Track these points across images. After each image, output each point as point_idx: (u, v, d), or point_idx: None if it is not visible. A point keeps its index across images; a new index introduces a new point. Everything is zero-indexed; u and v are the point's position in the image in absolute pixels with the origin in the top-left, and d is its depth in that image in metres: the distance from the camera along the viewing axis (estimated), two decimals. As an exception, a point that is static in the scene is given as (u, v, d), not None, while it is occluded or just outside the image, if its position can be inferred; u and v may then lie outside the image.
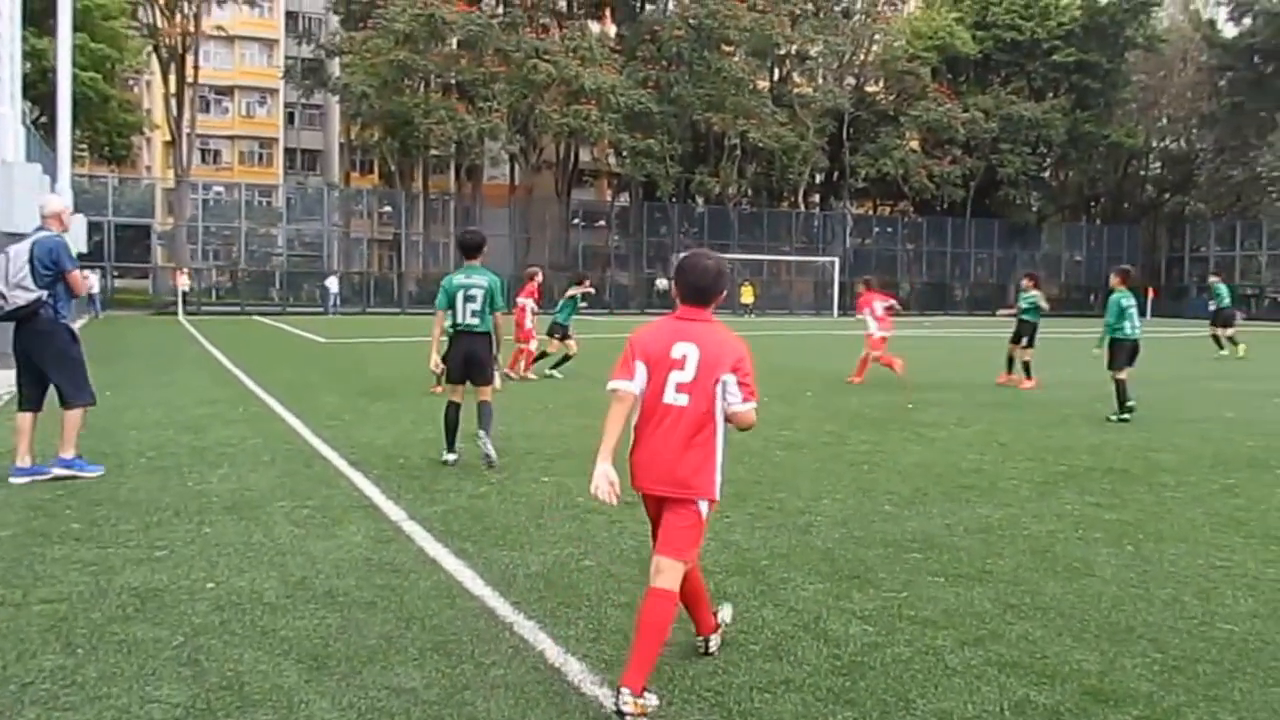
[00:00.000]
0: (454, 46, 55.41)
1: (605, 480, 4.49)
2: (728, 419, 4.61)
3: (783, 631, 5.27)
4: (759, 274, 61.85)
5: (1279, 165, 60.82)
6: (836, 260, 60.93)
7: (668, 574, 4.56)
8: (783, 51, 62.95)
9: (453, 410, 9.91)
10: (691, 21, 56.90)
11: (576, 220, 63.60)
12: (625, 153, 56.71)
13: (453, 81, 56.20)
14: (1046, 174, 72.46)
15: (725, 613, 5.32)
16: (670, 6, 61.52)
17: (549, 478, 9.01)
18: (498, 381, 9.86)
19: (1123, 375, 13.72)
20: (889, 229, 69.63)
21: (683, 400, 4.52)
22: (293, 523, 7.34)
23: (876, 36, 65.92)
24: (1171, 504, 8.36)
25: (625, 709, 4.29)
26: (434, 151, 56.29)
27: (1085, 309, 67.68)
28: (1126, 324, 13.72)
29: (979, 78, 67.11)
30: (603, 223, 65.17)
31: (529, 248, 56.51)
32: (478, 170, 61.94)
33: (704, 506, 4.65)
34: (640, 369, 4.57)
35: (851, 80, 66.63)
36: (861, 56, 66.41)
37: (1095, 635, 5.32)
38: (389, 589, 5.85)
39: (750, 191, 65.82)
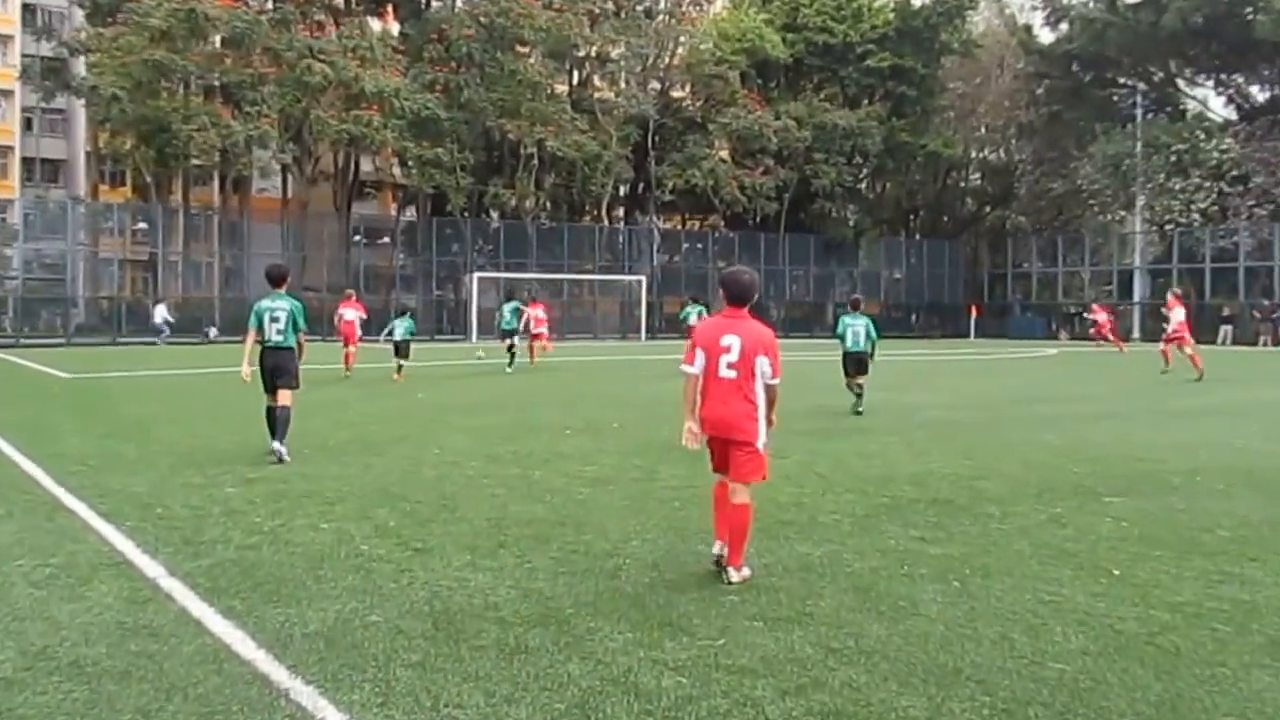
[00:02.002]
0: (217, 45, 54.18)
1: (690, 433, 7.21)
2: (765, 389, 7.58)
3: (590, 687, 5.21)
4: (559, 295, 61.49)
5: (1098, 178, 62.38)
6: (643, 279, 61.27)
7: (740, 493, 7.18)
8: (582, 53, 62.96)
9: (270, 412, 12.83)
10: (482, 20, 56.53)
11: (358, 237, 63.14)
12: (411, 162, 56.21)
13: (216, 83, 54.94)
14: (863, 185, 73.21)
15: None
16: (459, 3, 60.59)
17: (329, 524, 8.84)
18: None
19: (854, 380, 18.38)
20: (699, 245, 70.06)
21: (732, 374, 7.05)
22: (32, 584, 7.04)
23: (682, 39, 66.08)
24: (998, 536, 8.55)
25: (733, 579, 6.92)
26: (195, 161, 55.13)
27: (906, 329, 68.00)
28: (848, 339, 18.40)
29: (791, 83, 68.03)
30: (387, 239, 64.65)
31: (305, 267, 55.22)
32: (245, 182, 60.46)
33: (757, 444, 7.22)
34: (700, 355, 7.18)
35: (656, 85, 67.08)
36: (666, 59, 66.79)
37: (922, 679, 5.39)
38: (146, 656, 5.64)
39: (549, 205, 65.43)
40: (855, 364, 18.37)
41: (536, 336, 32.37)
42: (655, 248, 68.09)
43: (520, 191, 59.94)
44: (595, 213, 67.03)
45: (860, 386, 18.34)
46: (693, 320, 30.55)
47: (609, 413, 17.91)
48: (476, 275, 56.03)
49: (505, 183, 60.04)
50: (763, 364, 7.24)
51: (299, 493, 10.20)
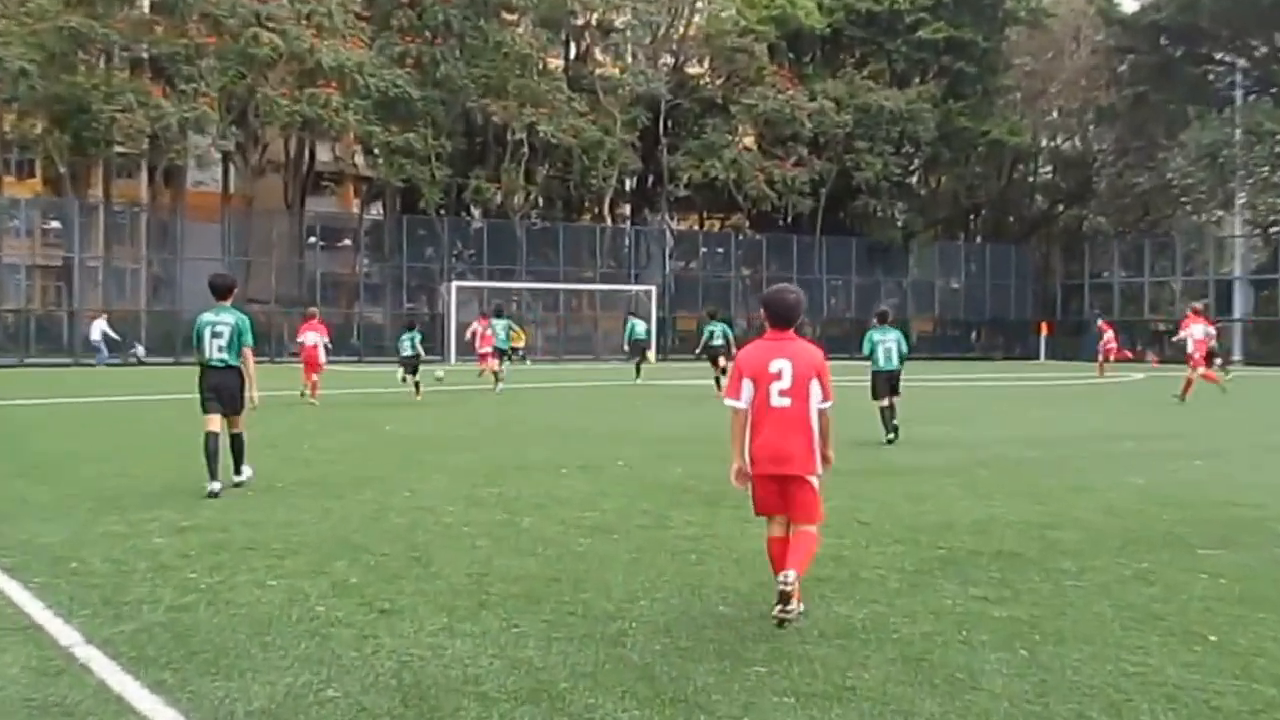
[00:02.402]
0: (146, 10, 54.31)
1: (739, 473, 7.45)
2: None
3: (589, 776, 5.58)
4: (554, 307, 61.49)
5: (1191, 171, 61.73)
6: (653, 290, 60.80)
7: (808, 530, 7.47)
8: (580, 22, 63.08)
9: (211, 440, 12.97)
10: (462, -19, 62.66)
11: (313, 239, 62.07)
12: (377, 150, 56.27)
13: (145, 56, 54.70)
14: (914, 179, 73.28)
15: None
16: (434, -39, 67.27)
17: (277, 580, 8.78)
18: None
19: (884, 403, 18.92)
20: (719, 249, 69.77)
21: (785, 402, 7.30)
22: (-79, 654, 7.90)
23: (699, 5, 65.82)
24: (1073, 595, 8.44)
25: (788, 584, 6.95)
26: (119, 148, 54.70)
27: (964, 349, 68.62)
28: (880, 357, 19.08)
29: (828, 58, 67.89)
30: (348, 242, 64.42)
31: (249, 275, 54.73)
32: (179, 173, 60.03)
33: (814, 481, 7.51)
34: (747, 385, 7.40)
35: (669, 60, 66.81)
36: (681, 29, 66.25)
37: (984, 766, 5.75)
38: (58, 739, 6.20)
39: (542, 201, 64.85)
40: (887, 384, 18.94)
41: (482, 358, 34.91)
42: (667, 252, 68.25)
43: (507, 185, 59.67)
44: (596, 211, 66.93)
45: (893, 410, 18.93)
46: (718, 340, 32.24)
47: (612, 449, 17.87)
48: (455, 285, 56.10)
49: (489, 175, 59.79)
50: (815, 388, 7.58)
51: (242, 543, 10.10)
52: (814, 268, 66.58)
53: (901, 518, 11.77)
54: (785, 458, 7.49)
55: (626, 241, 67.06)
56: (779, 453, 7.47)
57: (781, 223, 67.94)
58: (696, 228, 73.85)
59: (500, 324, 33.37)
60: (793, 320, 7.79)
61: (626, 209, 71.67)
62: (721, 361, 30.93)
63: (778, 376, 7.47)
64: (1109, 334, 47.92)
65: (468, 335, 35.90)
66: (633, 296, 62.18)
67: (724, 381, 26.28)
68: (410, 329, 29.83)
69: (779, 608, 7.35)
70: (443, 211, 60.27)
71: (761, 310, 7.99)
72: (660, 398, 30.23)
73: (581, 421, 23.29)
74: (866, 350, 19.50)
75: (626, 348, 40.62)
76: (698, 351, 33.15)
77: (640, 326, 39.72)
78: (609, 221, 67.54)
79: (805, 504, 7.60)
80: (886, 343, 18.76)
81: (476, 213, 63.72)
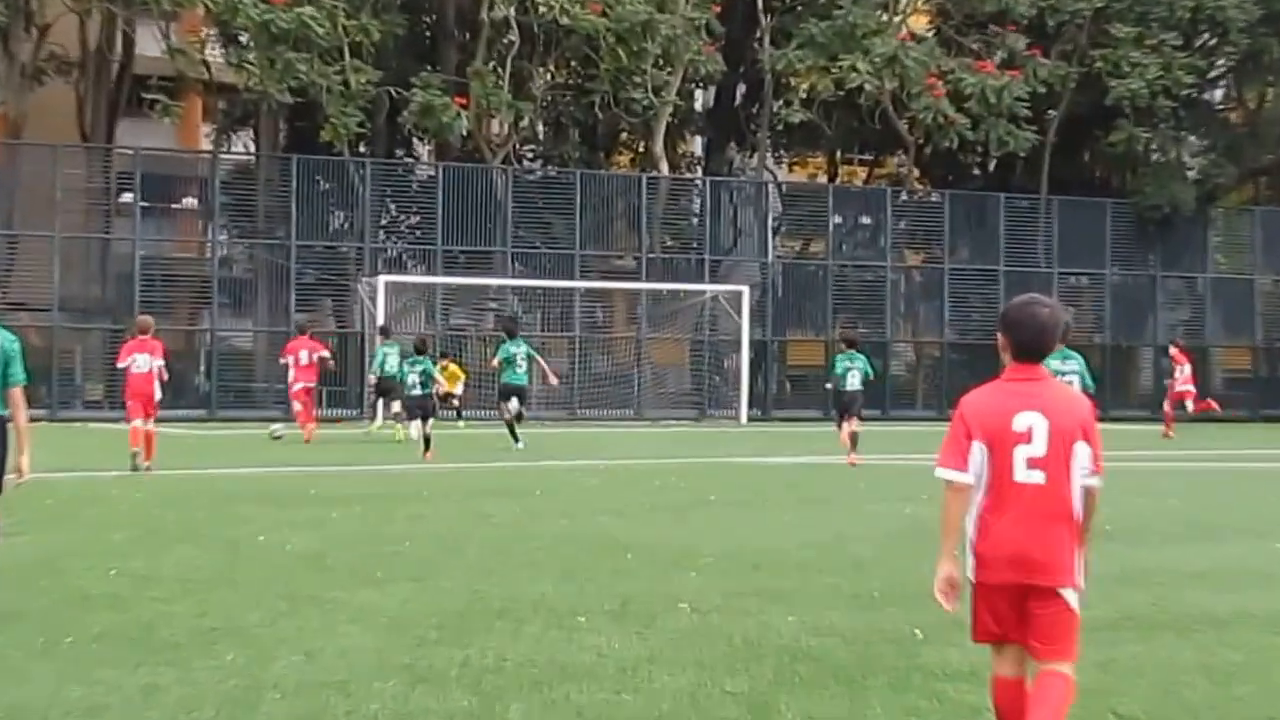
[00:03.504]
0: None
1: (947, 584, 7.52)
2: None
3: None
4: (561, 322, 54.13)
5: None
6: (745, 291, 54.12)
7: (1059, 670, 7.41)
8: None
9: None
10: None
11: (129, 195, 54.34)
12: (246, 38, 53.04)
13: None
14: (1218, 95, 66.44)
15: None
16: None
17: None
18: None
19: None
20: (864, 218, 62.66)
21: (1038, 477, 7.47)
22: None
23: None
24: None
25: None
26: None
27: None
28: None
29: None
30: (191, 202, 58.72)
31: (14, 258, 53.16)
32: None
33: (1072, 597, 7.44)
34: (977, 450, 7.52)
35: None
36: None
37: None
38: None
39: (542, 132, 59.66)
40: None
41: (305, 420, 36.10)
42: (772, 223, 60.16)
43: (480, 99, 52.25)
44: (641, 149, 60.56)
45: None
46: (853, 382, 31.34)
47: (667, 577, 15.92)
48: (383, 279, 51.31)
49: (447, 84, 52.40)
50: (1081, 454, 7.27)
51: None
52: (1036, 250, 60.31)
53: (1197, 710, 10.31)
54: (1033, 560, 7.25)
55: (697, 203, 59.15)
56: (1024, 552, 7.25)
57: (977, 171, 62.89)
58: (822, 179, 66.54)
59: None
60: (1048, 350, 7.60)
61: (696, 146, 65.45)
62: (854, 424, 30.77)
63: (1026, 438, 7.29)
64: (1184, 369, 48.99)
65: (287, 368, 36.37)
66: (701, 306, 55.73)
67: (856, 449, 28.26)
68: (420, 354, 31.97)
69: None
70: (364, 148, 54.07)
71: (1000, 334, 7.59)
72: (752, 485, 28.08)
73: (614, 527, 21.07)
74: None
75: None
76: (831, 403, 32.41)
77: (520, 355, 36.02)
78: (664, 168, 57.58)
79: (1057, 631, 7.27)
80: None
81: (424, 150, 59.46)
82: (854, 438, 26.87)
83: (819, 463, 28.65)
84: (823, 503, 25.39)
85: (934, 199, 62.42)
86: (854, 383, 28.96)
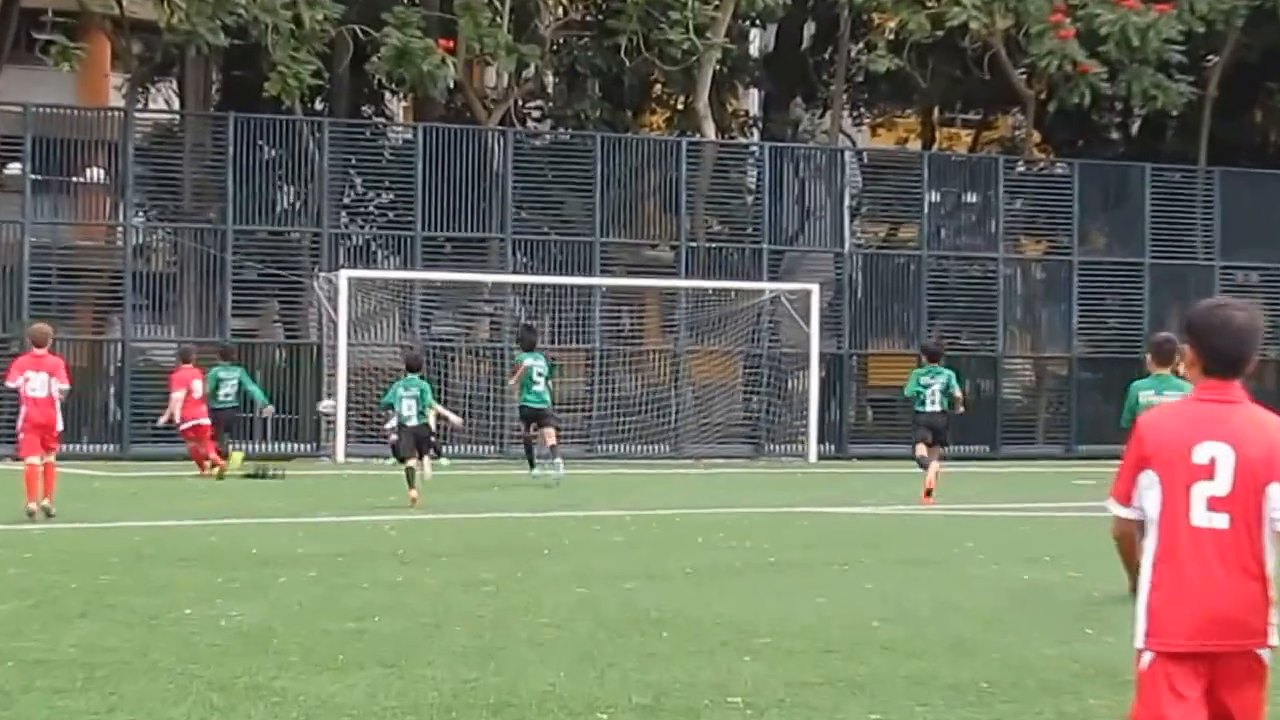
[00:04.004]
0: None
1: None
2: None
3: None
4: (579, 334, 53.62)
5: None
6: (814, 289, 53.57)
7: None
8: None
9: None
10: None
11: (16, 166, 52.81)
12: None
13: None
14: None
15: None
16: None
17: None
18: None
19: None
20: (968, 194, 61.70)
21: (1220, 522, 7.22)
22: None
23: None
24: None
25: None
26: None
27: None
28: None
29: None
30: (99, 173, 57.96)
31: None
32: None
33: (1267, 656, 7.05)
34: (1151, 482, 7.36)
35: None
36: None
37: None
38: None
39: (552, 84, 60.06)
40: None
41: (203, 458, 35.72)
42: (849, 203, 59.12)
43: (472, 42, 51.58)
44: (682, 104, 59.84)
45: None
46: (934, 403, 30.84)
47: (711, 665, 15.10)
48: (346, 275, 50.61)
49: (428, 20, 52.05)
50: (1275, 497, 6.84)
51: None
52: (1192, 237, 59.41)
53: None
54: (1219, 620, 6.89)
55: (753, 176, 58.46)
56: (1210, 611, 6.90)
57: (1116, 134, 60.34)
58: (915, 145, 65.42)
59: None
60: (1247, 362, 7.06)
61: (751, 103, 63.54)
62: (935, 461, 30.21)
63: (1207, 472, 6.87)
64: None
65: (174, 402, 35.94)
66: (757, 311, 56.75)
67: (930, 490, 30.03)
68: (413, 371, 32.31)
69: None
70: (321, 105, 53.81)
71: (1188, 344, 7.34)
72: (823, 542, 28.39)
73: (644, 597, 20.79)
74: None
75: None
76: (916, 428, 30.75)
77: (537, 368, 37.28)
78: (709, 130, 56.88)
79: (1253, 700, 6.96)
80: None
81: (399, 108, 58.56)
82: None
83: (909, 513, 27.27)
84: (915, 565, 25.06)
85: (1059, 170, 59.58)
86: (934, 404, 28.34)
